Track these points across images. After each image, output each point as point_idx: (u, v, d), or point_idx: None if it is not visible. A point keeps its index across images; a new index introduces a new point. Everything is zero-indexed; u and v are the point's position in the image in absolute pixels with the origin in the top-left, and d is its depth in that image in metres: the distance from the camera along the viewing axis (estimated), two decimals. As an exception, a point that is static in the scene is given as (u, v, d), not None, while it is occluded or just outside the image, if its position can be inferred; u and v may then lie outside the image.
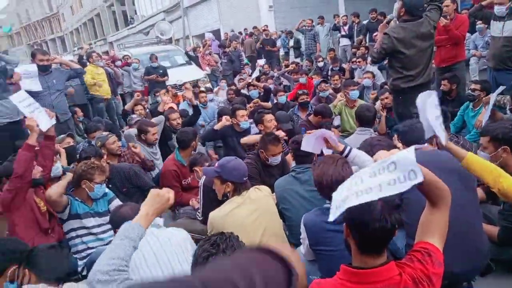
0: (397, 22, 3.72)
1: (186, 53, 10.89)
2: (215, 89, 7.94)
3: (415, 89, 3.57)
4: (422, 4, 3.52)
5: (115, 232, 2.01)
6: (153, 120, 4.52)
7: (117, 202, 2.92)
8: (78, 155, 3.65)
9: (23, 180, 2.65)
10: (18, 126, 4.76)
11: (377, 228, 1.31)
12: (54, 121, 3.10)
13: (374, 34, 7.58)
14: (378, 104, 4.76)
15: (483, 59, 6.30)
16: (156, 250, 1.79)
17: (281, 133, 3.89)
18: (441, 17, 4.88)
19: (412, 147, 1.19)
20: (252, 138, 4.05)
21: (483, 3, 5.30)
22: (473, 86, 4.18)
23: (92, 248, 2.73)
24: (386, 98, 4.54)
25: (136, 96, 5.74)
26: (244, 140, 4.06)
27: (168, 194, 1.51)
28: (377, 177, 1.19)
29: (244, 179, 2.40)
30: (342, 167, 2.04)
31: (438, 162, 2.02)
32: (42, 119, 2.90)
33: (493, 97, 3.41)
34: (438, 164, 1.97)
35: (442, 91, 4.60)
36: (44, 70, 4.57)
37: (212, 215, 2.29)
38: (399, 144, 2.50)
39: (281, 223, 2.51)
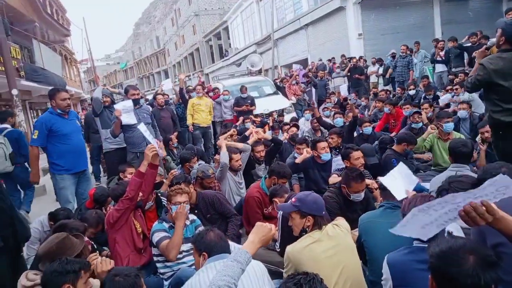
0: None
1: (274, 83, 11.29)
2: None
3: None
4: None
5: (198, 253, 2.11)
6: (241, 145, 4.75)
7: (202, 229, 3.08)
8: None
9: (131, 202, 3.02)
10: (125, 152, 5.43)
11: (468, 285, 1.16)
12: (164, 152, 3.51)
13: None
14: (478, 138, 4.44)
15: None
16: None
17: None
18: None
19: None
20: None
21: None
22: None
23: (176, 270, 2.85)
24: (487, 131, 4.09)
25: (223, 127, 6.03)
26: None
27: (271, 225, 1.81)
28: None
29: (323, 212, 2.41)
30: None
31: None
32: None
33: None
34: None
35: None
36: (135, 103, 5.08)
37: (289, 249, 2.30)
38: None
39: (359, 262, 2.41)
